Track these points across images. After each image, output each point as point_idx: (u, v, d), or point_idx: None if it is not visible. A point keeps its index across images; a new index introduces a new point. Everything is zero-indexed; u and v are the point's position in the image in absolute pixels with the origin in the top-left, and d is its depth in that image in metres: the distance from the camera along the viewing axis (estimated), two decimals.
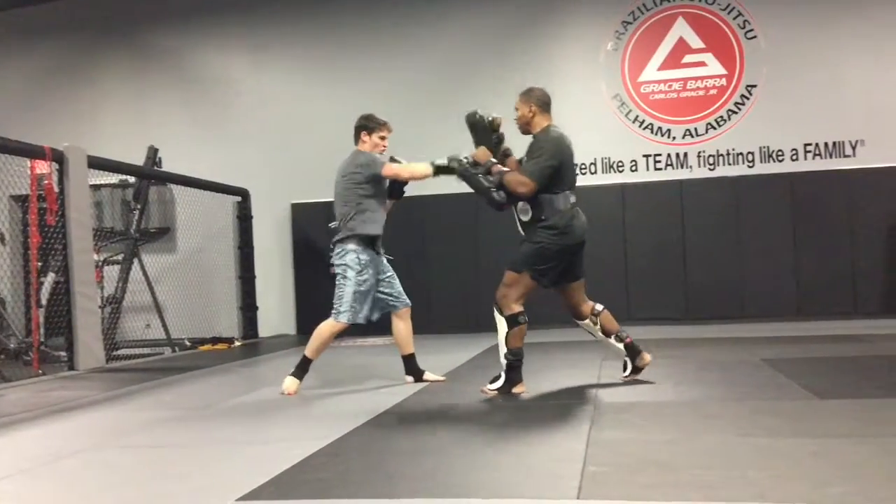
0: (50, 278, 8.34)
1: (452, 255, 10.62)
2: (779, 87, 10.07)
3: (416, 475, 3.21)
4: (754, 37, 10.20)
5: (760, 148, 10.05)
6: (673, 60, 10.37)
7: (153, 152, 10.11)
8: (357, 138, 5.77)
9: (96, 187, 10.45)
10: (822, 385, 4.87)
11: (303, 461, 3.49)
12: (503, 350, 5.05)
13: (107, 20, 11.87)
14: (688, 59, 10.35)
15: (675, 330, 8.79)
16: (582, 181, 10.28)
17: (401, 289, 5.76)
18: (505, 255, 10.54)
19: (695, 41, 10.33)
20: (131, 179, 10.16)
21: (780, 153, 10.01)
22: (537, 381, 5.55)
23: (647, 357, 5.30)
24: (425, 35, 10.99)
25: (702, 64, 10.30)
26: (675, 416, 4.19)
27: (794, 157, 10.02)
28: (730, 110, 10.18)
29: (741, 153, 10.15)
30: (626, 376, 5.34)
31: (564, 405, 4.66)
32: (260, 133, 11.31)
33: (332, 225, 5.70)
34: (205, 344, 9.60)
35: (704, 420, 4.06)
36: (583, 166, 10.49)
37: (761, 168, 10.06)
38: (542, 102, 5.22)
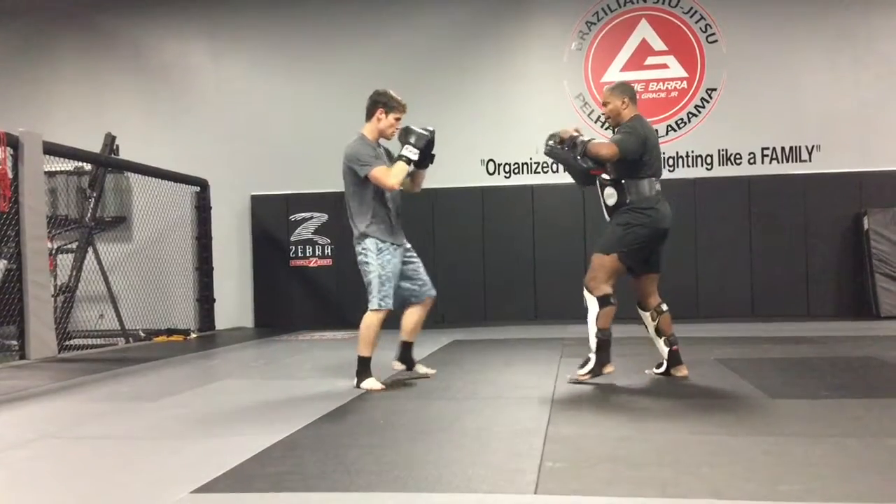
0: (1, 265, 8.16)
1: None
2: (738, 91, 10.22)
3: (374, 469, 3.20)
4: (715, 41, 10.34)
5: (719, 151, 10.20)
6: (636, 62, 10.48)
7: (110, 140, 9.92)
8: (371, 114, 5.34)
9: (51, 174, 10.24)
10: (774, 385, 4.95)
11: (259, 454, 3.46)
12: (593, 330, 5.07)
13: (65, 5, 11.63)
14: (650, 60, 10.46)
15: (632, 329, 8.84)
16: (544, 180, 10.48)
17: (426, 278, 5.58)
18: (464, 251, 10.63)
19: (657, 43, 10.44)
20: (87, 167, 9.96)
21: (738, 156, 10.17)
22: (497, 377, 5.57)
23: (685, 370, 5.29)
24: (388, 30, 10.95)
25: (664, 66, 10.41)
26: (631, 414, 4.23)
27: (752, 161, 10.18)
28: (690, 113, 10.31)
29: (700, 155, 10.29)
30: (654, 371, 5.40)
31: (523, 401, 4.67)
32: (220, 123, 11.18)
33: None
34: (160, 335, 9.47)
35: (660, 417, 4.10)
36: (545, 165, 10.56)
37: (719, 171, 10.21)
38: (633, 96, 5.30)
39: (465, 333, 8.84)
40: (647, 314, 5.39)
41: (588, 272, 5.14)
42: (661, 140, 10.36)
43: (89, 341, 9.39)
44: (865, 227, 9.77)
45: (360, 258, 5.35)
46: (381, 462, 3.30)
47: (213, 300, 10.68)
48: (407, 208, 10.42)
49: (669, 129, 10.34)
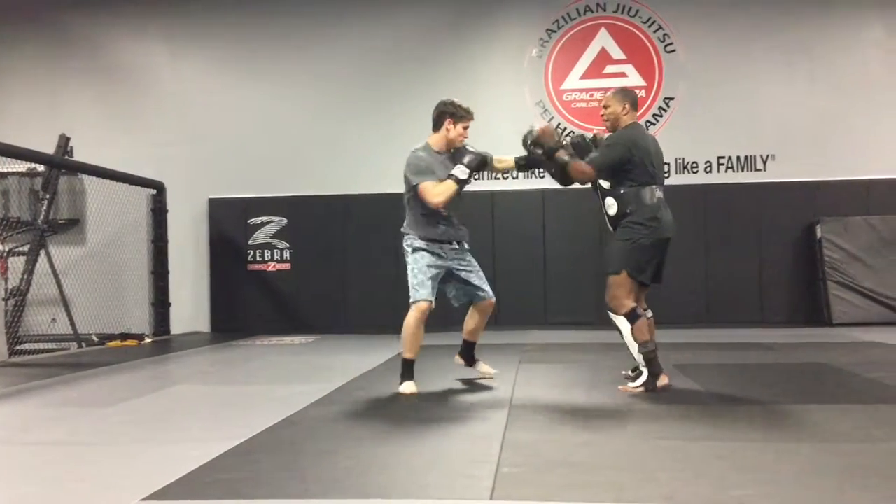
0: None
1: (373, 255, 10.57)
2: (695, 100, 10.37)
3: (330, 475, 3.17)
4: (673, 51, 10.47)
5: (676, 159, 10.32)
6: (595, 70, 10.57)
7: (64, 141, 9.74)
8: (439, 124, 5.29)
9: (3, 175, 10.04)
10: (729, 391, 5.01)
11: (213, 461, 3.41)
12: (634, 346, 4.99)
13: (19, 2, 11.40)
14: (609, 69, 10.56)
15: (590, 335, 8.92)
16: (502, 186, 10.50)
17: (483, 282, 5.45)
18: None
19: (616, 52, 10.55)
20: (40, 168, 9.76)
21: (694, 165, 10.30)
22: (455, 383, 5.57)
23: (666, 379, 5.16)
24: (350, 34, 10.91)
25: (622, 75, 10.52)
26: (588, 419, 4.24)
27: (708, 170, 10.33)
28: (648, 121, 10.42)
29: None
30: (628, 374, 5.35)
31: (481, 406, 4.67)
32: (177, 125, 11.03)
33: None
34: (113, 340, 9.30)
35: (616, 423, 4.13)
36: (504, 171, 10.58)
37: (676, 179, 10.32)
38: (634, 103, 5.23)
39: (424, 339, 8.80)
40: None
41: (607, 293, 5.06)
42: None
43: (41, 346, 9.20)
44: (818, 235, 9.95)
45: (406, 255, 5.35)
46: (337, 468, 3.27)
47: (169, 304, 10.53)
48: (366, 211, 10.48)
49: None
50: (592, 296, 10.27)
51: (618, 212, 5.05)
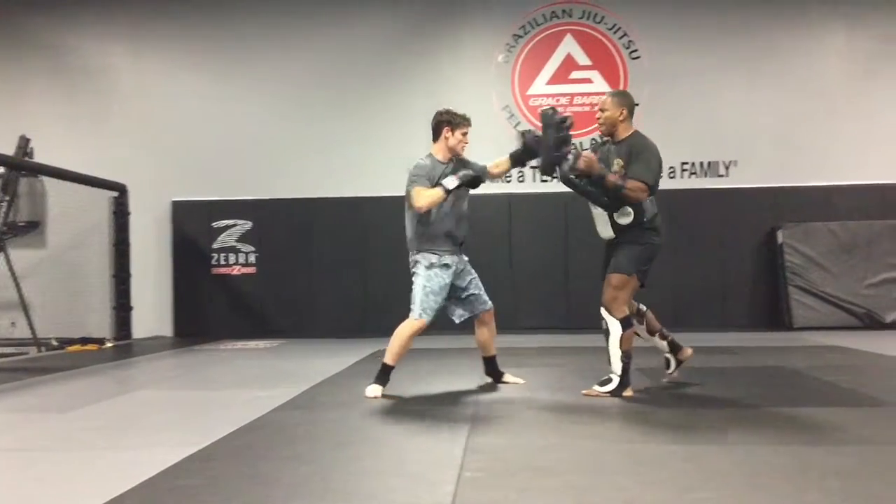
0: None
1: (340, 259, 10.53)
2: (660, 106, 10.45)
3: (292, 481, 3.14)
4: (638, 57, 10.57)
5: None
6: (561, 75, 10.63)
7: (24, 142, 9.57)
8: (438, 133, 5.30)
9: None
10: (692, 394, 5.06)
11: (172, 467, 3.36)
12: (617, 353, 4.95)
13: None
14: (575, 75, 10.63)
15: (558, 338, 8.97)
16: (470, 190, 10.48)
17: (481, 291, 5.45)
18: (393, 260, 10.56)
19: (582, 58, 10.62)
20: (0, 170, 9.60)
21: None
22: (420, 387, 5.55)
23: (689, 350, 5.34)
24: (318, 37, 10.86)
25: (588, 81, 10.60)
26: (552, 423, 4.26)
27: (672, 175, 10.42)
28: (593, 141, 10.50)
29: None
30: (669, 373, 5.40)
31: (445, 411, 4.66)
32: (140, 126, 10.90)
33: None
34: (73, 344, 9.15)
35: (580, 426, 4.14)
36: None
37: None
38: (631, 108, 5.16)
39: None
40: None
41: (608, 293, 5.01)
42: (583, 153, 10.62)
43: None
44: (779, 240, 10.09)
45: (412, 266, 5.32)
46: (297, 474, 3.24)
47: (131, 308, 10.39)
48: (332, 215, 10.43)
49: (593, 142, 10.49)
50: (561, 300, 10.36)
51: (633, 220, 5.01)
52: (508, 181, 10.55)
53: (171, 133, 10.85)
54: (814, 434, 3.87)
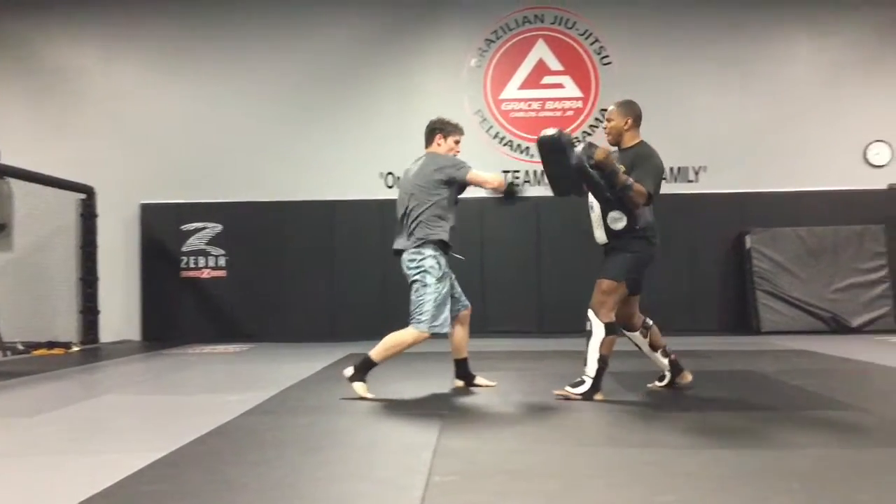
0: None
1: (310, 263, 10.48)
2: None
3: (259, 487, 3.11)
4: (609, 63, 10.64)
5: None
6: (533, 80, 10.68)
7: None
8: (430, 141, 5.44)
9: None
10: (661, 398, 5.09)
11: (138, 472, 3.32)
12: (594, 356, 4.96)
13: None
14: (547, 80, 10.68)
15: (528, 343, 9.00)
16: None
17: (459, 291, 5.50)
18: (362, 263, 10.52)
19: (554, 63, 10.68)
20: None
21: None
22: (391, 391, 5.53)
23: (689, 376, 5.30)
24: (289, 40, 10.82)
25: (560, 86, 10.65)
26: (521, 427, 4.26)
27: None
28: (585, 132, 10.57)
29: None
30: (657, 384, 5.40)
31: (415, 415, 4.65)
32: (109, 128, 10.79)
33: (398, 245, 5.41)
34: (39, 348, 9.01)
35: (550, 430, 4.15)
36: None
37: None
38: (638, 117, 5.19)
39: (361, 347, 8.71)
40: (636, 334, 5.39)
41: (596, 296, 5.04)
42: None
43: None
44: (747, 245, 10.20)
45: (416, 272, 5.24)
46: (264, 479, 3.21)
47: (98, 312, 10.26)
48: (303, 218, 10.38)
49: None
50: (532, 304, 10.39)
51: (626, 226, 5.02)
52: None
53: (141, 135, 10.74)
54: (779, 438, 3.91)
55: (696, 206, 10.39)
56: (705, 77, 10.61)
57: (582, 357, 5.04)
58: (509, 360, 7.46)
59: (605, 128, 5.30)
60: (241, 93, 10.75)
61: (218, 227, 10.55)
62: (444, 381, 5.87)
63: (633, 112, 5.18)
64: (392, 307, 10.58)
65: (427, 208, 5.25)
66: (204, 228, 10.55)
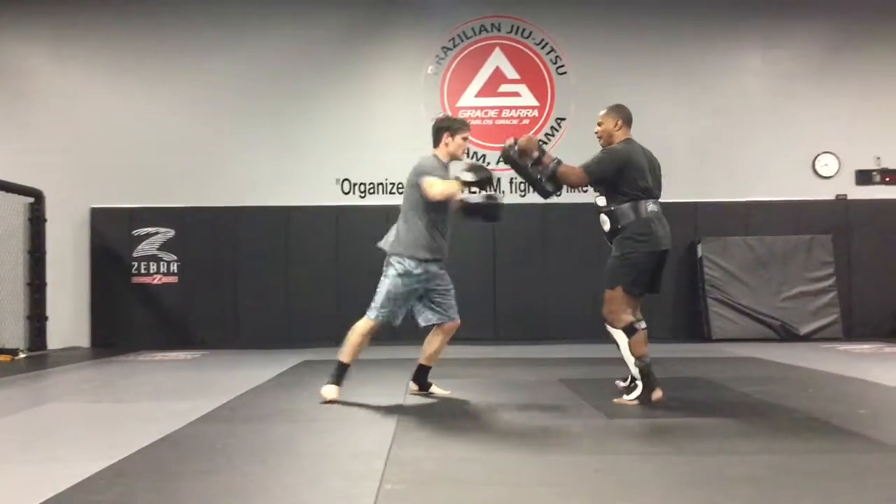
0: None
1: (264, 269, 10.39)
2: (585, 121, 10.51)
3: (206, 496, 3.07)
4: (565, 73, 10.74)
5: None
6: (490, 88, 10.73)
7: None
8: (438, 141, 5.35)
9: None
10: (611, 405, 5.12)
11: (83, 481, 3.26)
12: (630, 359, 5.06)
13: None
14: (503, 88, 10.74)
15: (484, 350, 9.01)
16: (398, 201, 10.43)
17: (453, 303, 5.46)
18: (318, 270, 10.46)
19: (510, 72, 10.74)
20: None
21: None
22: (344, 399, 5.50)
23: (660, 393, 5.20)
24: (244, 43, 10.72)
25: (516, 94, 10.72)
26: (474, 435, 4.26)
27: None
28: (541, 140, 10.63)
29: None
30: (623, 384, 5.40)
31: (368, 423, 4.63)
32: (59, 130, 10.57)
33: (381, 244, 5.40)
34: None
35: (502, 438, 4.16)
36: (400, 186, 10.61)
37: (567, 197, 10.50)
38: (627, 119, 5.37)
39: (316, 354, 8.70)
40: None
41: (604, 307, 5.16)
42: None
43: None
44: (699, 254, 10.35)
45: (385, 266, 5.33)
46: (213, 489, 3.17)
47: (46, 318, 10.04)
48: (257, 224, 10.28)
49: None
50: (488, 312, 10.41)
51: (611, 228, 5.18)
52: None
53: (91, 138, 10.56)
54: (727, 444, 3.97)
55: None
56: (659, 88, 10.76)
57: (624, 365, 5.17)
58: (464, 368, 7.47)
59: (596, 132, 5.44)
60: (195, 96, 10.63)
61: (170, 233, 10.40)
62: (399, 389, 5.86)
63: (622, 114, 5.40)
64: (348, 313, 10.54)
65: (407, 214, 5.30)
66: (156, 233, 10.39)
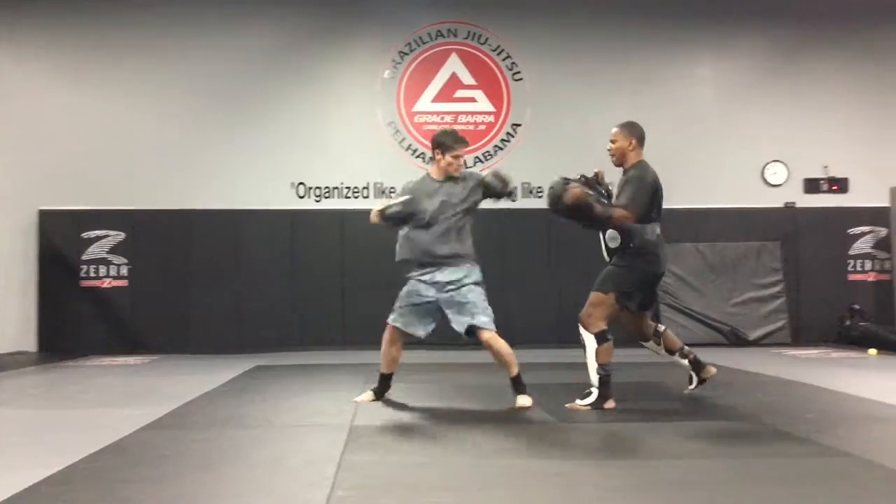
0: None
1: (217, 273, 10.26)
2: (541, 127, 10.71)
3: None
4: (521, 79, 10.80)
5: (523, 184, 10.57)
6: (446, 94, 10.74)
7: None
8: (433, 157, 5.47)
9: None
10: (564, 410, 5.15)
11: (27, 489, 3.18)
12: (594, 366, 5.14)
13: None
14: (460, 93, 10.76)
15: (435, 355, 8.99)
16: (354, 205, 10.47)
17: (459, 317, 5.47)
18: (271, 274, 10.36)
19: (467, 78, 10.77)
20: None
21: (539, 189, 10.58)
22: (297, 404, 5.47)
23: (712, 369, 5.50)
24: (199, 45, 10.58)
25: (472, 100, 10.75)
26: (428, 439, 4.26)
27: None
28: (496, 146, 10.69)
29: None
30: (691, 389, 5.54)
31: (321, 428, 4.60)
32: (6, 131, 10.31)
33: None
34: None
35: (455, 442, 4.16)
36: (356, 190, 10.58)
37: (523, 203, 10.59)
38: (641, 138, 5.42)
39: (269, 359, 8.63)
40: (651, 343, 5.54)
41: (585, 308, 5.21)
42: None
43: None
44: None
45: (466, 277, 5.52)
46: (161, 497, 3.12)
47: None
48: (210, 228, 10.15)
49: (477, 160, 10.64)
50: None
51: (620, 244, 5.21)
52: (393, 196, 10.54)
53: (39, 138, 10.31)
54: (676, 448, 4.02)
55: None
56: (613, 96, 10.85)
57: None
58: (418, 373, 7.45)
59: (608, 149, 5.51)
60: (147, 96, 10.46)
61: (120, 236, 10.22)
62: (353, 393, 5.82)
63: (636, 133, 5.44)
64: (303, 315, 10.47)
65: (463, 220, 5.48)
66: (106, 236, 10.19)
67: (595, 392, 5.17)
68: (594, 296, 5.25)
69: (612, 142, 5.47)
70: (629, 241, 5.19)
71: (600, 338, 5.18)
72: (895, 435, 4.36)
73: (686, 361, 5.60)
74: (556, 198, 5.19)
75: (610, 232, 5.27)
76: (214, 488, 3.26)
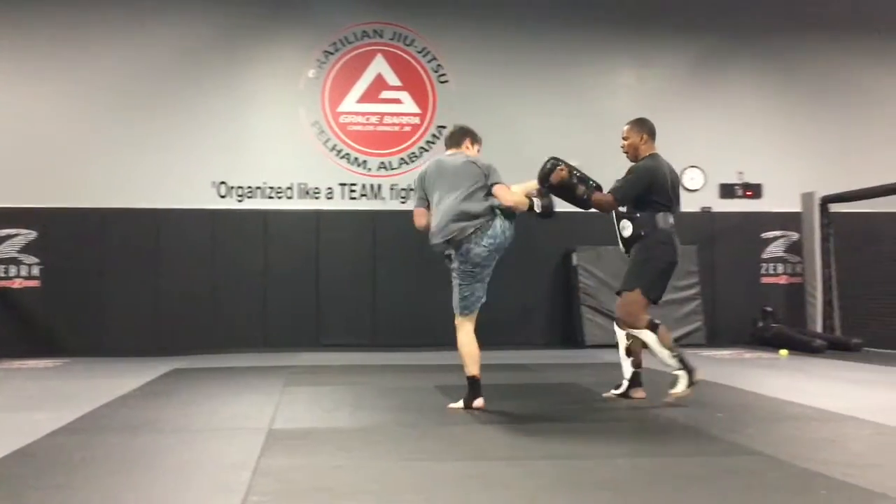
0: None
1: (133, 272, 10.01)
2: None
3: None
4: (446, 81, 10.84)
5: None
6: (371, 95, 10.71)
7: None
8: (460, 142, 5.50)
9: None
10: (486, 411, 5.18)
11: None
12: (664, 353, 5.21)
13: None
14: (385, 94, 10.75)
15: (363, 357, 8.97)
16: (277, 205, 10.35)
17: (455, 299, 5.55)
18: (191, 275, 10.14)
19: (392, 79, 10.76)
20: None
21: None
22: (214, 408, 5.37)
23: (642, 393, 5.52)
24: (121, 41, 10.30)
25: (398, 101, 10.75)
26: (346, 443, 4.23)
27: None
28: (421, 147, 10.70)
29: None
30: (613, 392, 5.62)
31: (238, 432, 4.53)
32: None
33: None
34: None
35: (374, 446, 4.15)
36: (279, 190, 10.46)
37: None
38: (652, 133, 5.61)
39: (188, 362, 8.45)
40: (623, 333, 5.56)
41: (620, 310, 5.35)
42: (392, 173, 10.74)
43: None
44: (574, 262, 10.63)
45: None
46: (69, 503, 3.03)
47: None
48: (127, 227, 9.88)
49: (402, 161, 10.65)
50: (366, 317, 10.36)
51: (632, 234, 5.36)
52: (317, 198, 10.49)
53: None
54: (593, 447, 4.09)
55: (527, 223, 10.58)
56: (538, 101, 10.99)
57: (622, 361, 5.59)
58: (342, 375, 7.42)
59: (621, 146, 5.69)
60: (63, 91, 10.14)
61: (32, 234, 9.87)
62: (273, 396, 5.76)
63: (646, 128, 5.65)
64: (223, 317, 10.27)
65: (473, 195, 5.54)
66: (16, 235, 9.83)
67: (682, 373, 5.25)
68: (624, 296, 5.40)
69: (625, 139, 5.68)
70: (640, 230, 5.36)
71: (652, 327, 5.30)
72: (803, 434, 4.51)
73: (632, 371, 5.69)
74: (545, 174, 5.48)
75: (623, 221, 5.47)
76: (124, 495, 3.17)
